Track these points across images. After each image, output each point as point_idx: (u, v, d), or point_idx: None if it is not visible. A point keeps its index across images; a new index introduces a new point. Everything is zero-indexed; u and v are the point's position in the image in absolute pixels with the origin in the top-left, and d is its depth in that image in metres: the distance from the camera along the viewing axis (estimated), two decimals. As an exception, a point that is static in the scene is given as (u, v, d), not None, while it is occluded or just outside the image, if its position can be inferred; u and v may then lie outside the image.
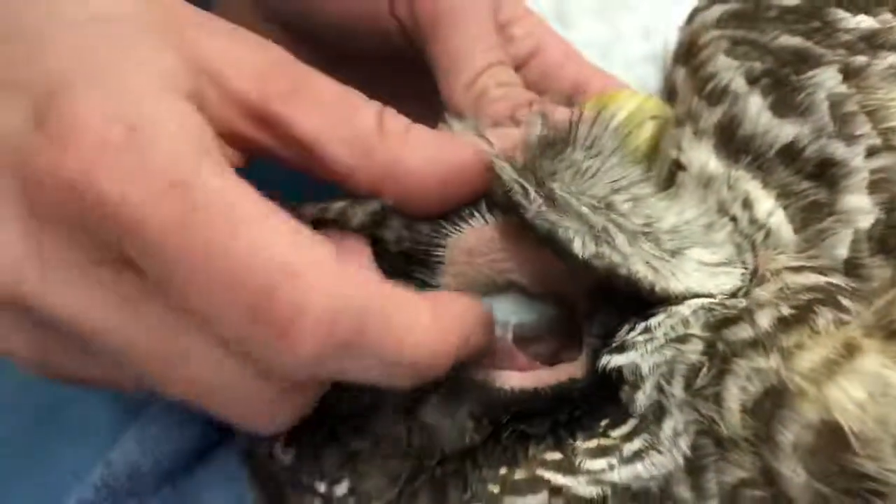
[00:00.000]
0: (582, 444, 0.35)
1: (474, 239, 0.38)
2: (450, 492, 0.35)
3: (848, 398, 0.31)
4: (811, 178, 0.36)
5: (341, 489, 0.37)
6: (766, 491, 0.32)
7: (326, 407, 0.37)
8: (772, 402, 0.32)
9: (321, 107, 0.36)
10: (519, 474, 0.35)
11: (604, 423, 0.35)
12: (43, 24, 0.35)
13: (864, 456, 0.31)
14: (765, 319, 0.34)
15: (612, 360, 0.35)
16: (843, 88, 0.36)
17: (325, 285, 0.32)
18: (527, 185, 0.36)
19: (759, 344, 0.33)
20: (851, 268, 0.34)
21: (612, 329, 0.36)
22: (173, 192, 0.32)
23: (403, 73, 0.46)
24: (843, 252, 0.34)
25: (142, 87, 0.33)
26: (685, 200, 0.38)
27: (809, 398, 0.32)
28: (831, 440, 0.31)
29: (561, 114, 0.38)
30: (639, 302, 0.35)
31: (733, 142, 0.38)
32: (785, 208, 0.36)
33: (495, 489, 0.35)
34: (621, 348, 0.35)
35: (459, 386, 0.36)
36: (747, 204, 0.37)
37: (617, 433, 0.34)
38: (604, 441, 0.35)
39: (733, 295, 0.35)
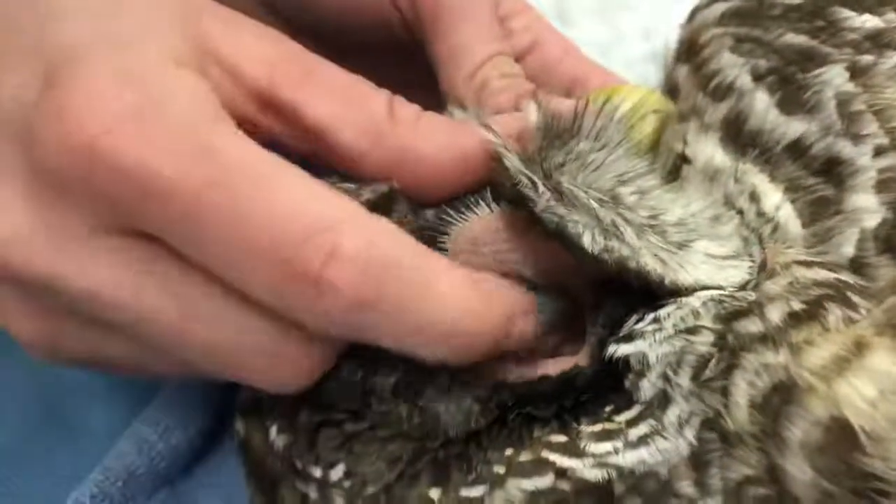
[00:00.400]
0: (587, 428, 0.35)
1: (479, 228, 0.37)
2: (453, 473, 0.35)
3: (858, 395, 0.31)
4: (819, 175, 0.36)
5: (336, 473, 0.36)
6: (771, 489, 0.32)
7: (322, 391, 0.36)
8: (780, 398, 0.32)
9: (332, 93, 0.37)
10: (524, 456, 0.35)
11: (608, 408, 0.35)
12: None
13: (873, 455, 0.30)
14: (775, 313, 0.33)
15: (620, 349, 0.35)
16: (850, 87, 0.36)
17: (358, 235, 0.32)
18: (535, 178, 0.35)
19: (768, 338, 0.33)
20: (857, 267, 0.34)
21: (618, 320, 0.35)
22: (198, 157, 0.32)
23: (404, 66, 0.46)
24: (849, 250, 0.34)
25: (153, 60, 0.34)
26: (691, 193, 0.38)
27: (819, 394, 0.31)
28: (840, 437, 0.31)
29: (565, 104, 0.38)
30: (647, 294, 0.35)
31: (740, 136, 0.38)
32: (793, 202, 0.36)
33: (501, 470, 0.35)
34: (629, 338, 0.35)
35: (463, 373, 0.36)
36: (754, 197, 0.37)
37: (622, 418, 0.34)
38: (608, 425, 0.34)
39: (742, 287, 0.35)
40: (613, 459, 0.34)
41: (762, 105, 0.37)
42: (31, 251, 0.33)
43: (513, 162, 0.36)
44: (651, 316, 0.35)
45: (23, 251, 0.33)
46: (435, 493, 0.35)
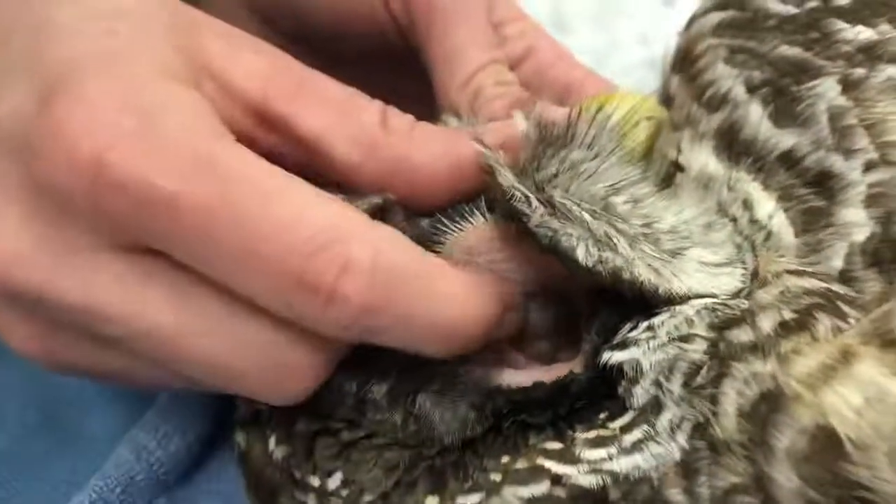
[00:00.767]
0: (581, 435, 0.35)
1: (474, 238, 0.38)
2: (449, 481, 0.35)
3: (844, 404, 0.31)
4: (811, 186, 0.36)
5: (334, 482, 0.36)
6: (758, 497, 0.32)
7: (319, 401, 0.36)
8: (768, 407, 0.32)
9: (325, 105, 0.37)
10: (520, 463, 0.35)
11: (603, 415, 0.35)
12: (51, 15, 0.35)
13: (859, 463, 0.31)
14: (766, 323, 0.34)
15: (614, 357, 0.35)
16: (842, 101, 0.36)
17: (366, 244, 0.33)
18: (528, 192, 0.36)
19: (758, 348, 0.33)
20: (846, 280, 0.34)
21: (613, 328, 0.36)
22: (202, 170, 0.32)
23: (399, 74, 0.46)
24: (838, 264, 0.35)
25: (148, 76, 0.34)
26: (683, 200, 0.38)
27: (805, 402, 0.32)
28: (826, 446, 0.31)
29: (558, 113, 0.38)
30: (641, 303, 0.35)
31: (734, 146, 0.38)
32: (786, 211, 0.36)
33: (497, 478, 0.35)
34: (623, 345, 0.35)
35: (457, 380, 0.36)
36: (748, 205, 0.37)
37: (616, 424, 0.35)
38: (603, 432, 0.35)
39: (736, 295, 0.35)
40: (608, 465, 0.34)
41: (756, 117, 0.38)
42: (32, 267, 0.33)
43: (506, 177, 0.36)
44: (645, 324, 0.35)
45: (23, 266, 0.33)
46: (432, 501, 0.35)
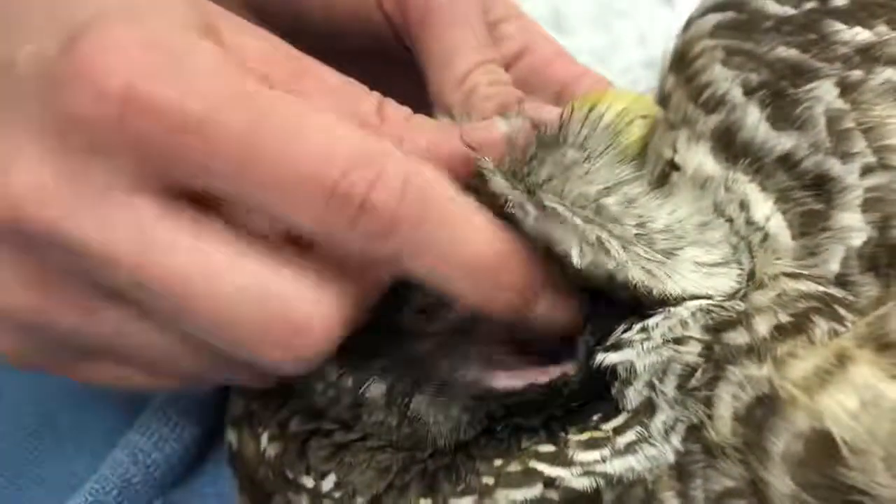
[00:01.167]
0: (574, 437, 0.35)
1: None
2: (442, 484, 0.35)
3: (840, 407, 0.31)
4: (809, 188, 0.36)
5: (328, 483, 0.36)
6: (753, 501, 0.32)
7: (314, 398, 0.37)
8: (763, 410, 0.32)
9: (324, 91, 0.37)
10: (513, 466, 0.35)
11: (596, 417, 0.35)
12: None
13: (854, 467, 0.31)
14: (762, 326, 0.34)
15: (607, 358, 0.35)
16: (839, 104, 0.36)
17: (401, 163, 0.33)
18: (521, 198, 0.36)
19: (754, 350, 0.33)
20: (842, 284, 0.34)
21: (607, 331, 0.36)
22: (233, 99, 0.32)
23: (393, 73, 0.46)
24: (834, 267, 0.34)
25: (173, 26, 0.34)
26: (678, 199, 0.38)
27: (801, 406, 0.32)
28: (821, 449, 0.31)
29: (550, 112, 0.38)
30: (636, 304, 0.35)
31: (732, 146, 0.38)
32: (783, 213, 0.36)
33: (489, 481, 0.35)
34: (617, 347, 0.35)
35: (451, 382, 0.36)
36: (745, 205, 0.37)
37: (609, 426, 0.34)
38: (596, 433, 0.35)
39: (731, 297, 0.35)
40: (601, 468, 0.34)
41: (753, 119, 0.37)
42: (49, 201, 0.33)
43: (498, 182, 0.36)
44: (639, 325, 0.35)
45: (40, 201, 0.33)
46: None
